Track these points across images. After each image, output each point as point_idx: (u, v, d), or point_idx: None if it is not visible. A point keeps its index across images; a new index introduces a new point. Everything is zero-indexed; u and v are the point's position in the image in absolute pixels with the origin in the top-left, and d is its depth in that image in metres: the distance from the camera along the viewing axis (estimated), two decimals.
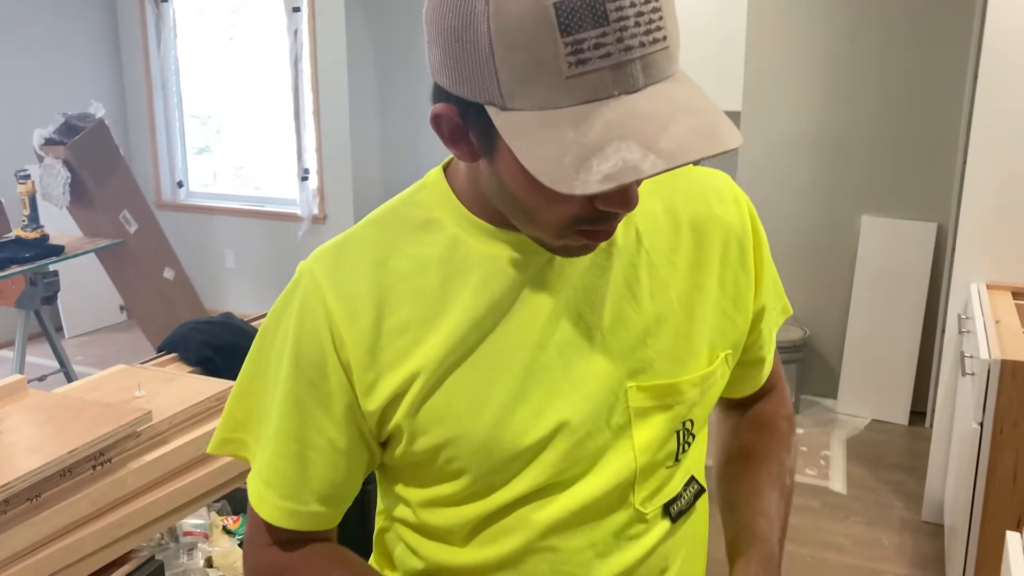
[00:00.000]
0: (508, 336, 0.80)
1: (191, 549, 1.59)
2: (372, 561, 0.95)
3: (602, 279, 0.82)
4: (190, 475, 1.35)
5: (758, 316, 0.92)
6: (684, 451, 0.87)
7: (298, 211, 4.87)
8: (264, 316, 2.49)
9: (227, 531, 1.72)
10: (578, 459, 0.82)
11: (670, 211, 0.86)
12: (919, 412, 3.69)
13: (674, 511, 0.87)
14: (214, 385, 1.47)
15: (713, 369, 0.86)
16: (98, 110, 3.80)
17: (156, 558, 1.30)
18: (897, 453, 3.51)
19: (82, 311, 4.85)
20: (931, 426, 3.19)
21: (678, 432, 0.86)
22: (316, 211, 4.83)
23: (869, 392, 3.71)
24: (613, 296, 0.82)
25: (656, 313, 0.83)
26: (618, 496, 0.84)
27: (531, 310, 0.80)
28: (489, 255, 0.80)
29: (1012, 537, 1.35)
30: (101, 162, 3.80)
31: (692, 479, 0.90)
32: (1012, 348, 2.16)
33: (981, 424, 2.11)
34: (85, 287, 4.70)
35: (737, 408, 1.04)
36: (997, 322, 2.33)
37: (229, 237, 5.13)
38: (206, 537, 1.66)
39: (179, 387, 1.48)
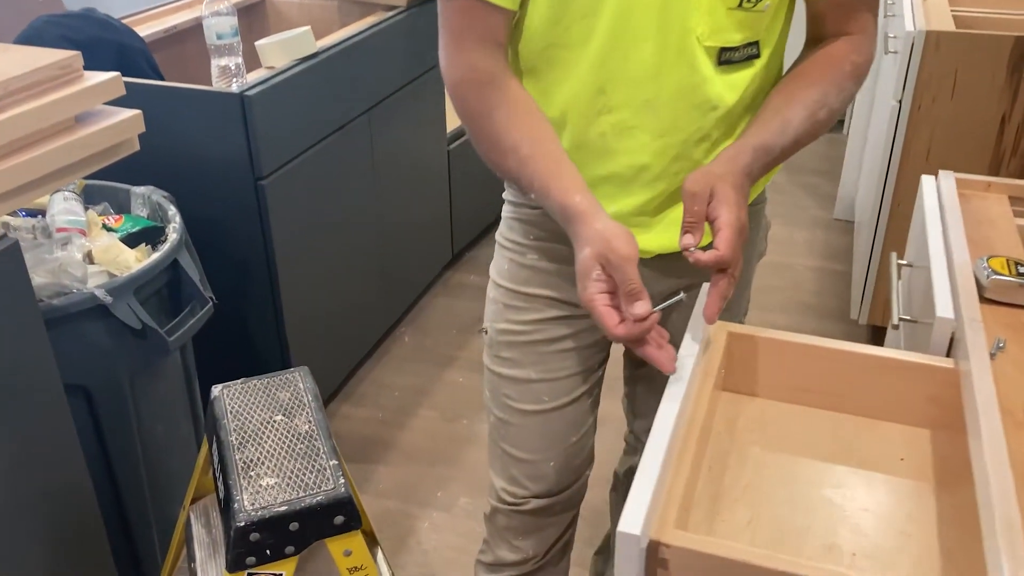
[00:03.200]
0: None
1: (66, 244, 1.48)
2: None
3: None
4: (33, 151, 1.21)
5: None
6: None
7: None
8: (136, 14, 2.23)
9: (108, 229, 1.61)
10: None
11: None
12: (840, 121, 3.66)
13: (724, 57, 0.98)
14: (55, 54, 1.29)
15: None
16: None
17: (7, 235, 1.19)
18: (815, 159, 3.51)
19: None
20: (848, 132, 3.16)
21: None
22: None
23: None
24: None
25: None
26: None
27: None
28: None
29: (927, 180, 1.31)
30: None
31: (754, 43, 0.99)
32: (938, 20, 2.06)
33: (900, 101, 2.05)
34: None
35: (813, 45, 1.05)
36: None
37: None
38: (83, 234, 1.54)
39: (14, 56, 1.30)
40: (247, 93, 1.73)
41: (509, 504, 1.22)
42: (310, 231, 2.00)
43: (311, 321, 2.06)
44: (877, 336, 2.44)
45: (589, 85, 1.00)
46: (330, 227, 2.09)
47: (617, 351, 1.27)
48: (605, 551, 1.60)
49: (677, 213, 1.06)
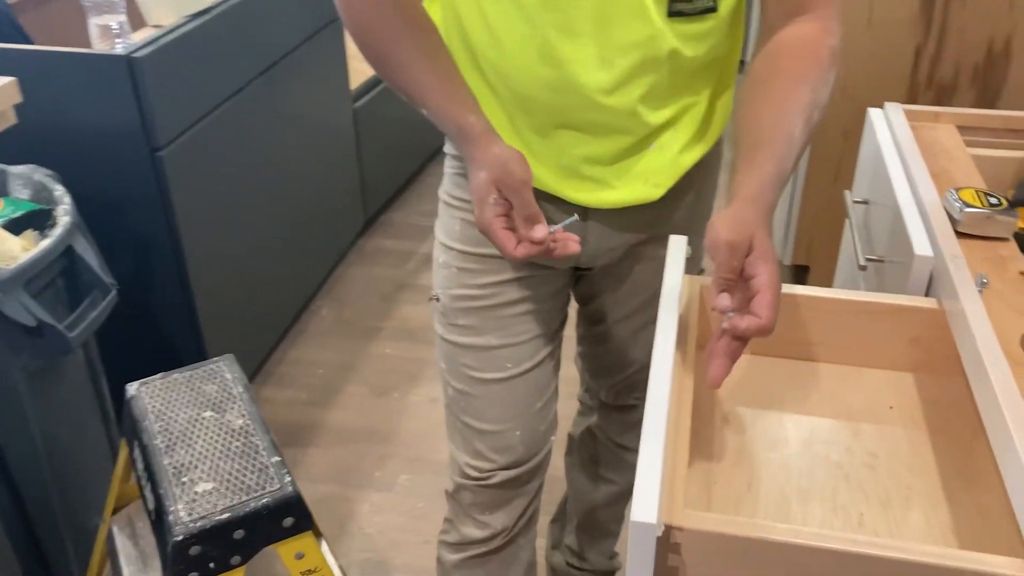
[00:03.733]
0: None
1: None
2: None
3: None
4: None
5: None
6: None
7: None
8: None
9: None
10: None
11: None
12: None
13: (675, 8, 0.91)
14: None
15: None
16: None
17: None
18: None
19: None
20: None
21: None
22: None
23: None
24: None
25: None
26: None
27: None
28: None
29: (875, 112, 1.27)
30: None
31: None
32: None
33: None
34: None
35: (777, 30, 0.95)
36: None
37: None
38: None
39: None
40: (135, 55, 1.56)
41: (475, 479, 1.14)
42: (215, 204, 1.85)
43: (223, 302, 1.91)
44: (801, 276, 2.45)
45: (531, 37, 0.91)
46: (235, 198, 1.93)
47: (571, 310, 1.20)
48: (561, 518, 1.54)
49: (639, 167, 1.00)
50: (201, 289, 1.81)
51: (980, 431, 0.89)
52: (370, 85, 2.61)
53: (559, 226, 0.91)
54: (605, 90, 0.93)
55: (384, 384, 2.18)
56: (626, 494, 1.44)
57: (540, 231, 0.87)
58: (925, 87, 2.18)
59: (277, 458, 1.07)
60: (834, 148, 2.23)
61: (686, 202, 1.09)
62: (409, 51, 0.94)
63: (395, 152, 2.79)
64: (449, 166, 1.10)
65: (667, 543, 0.68)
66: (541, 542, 1.62)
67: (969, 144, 1.22)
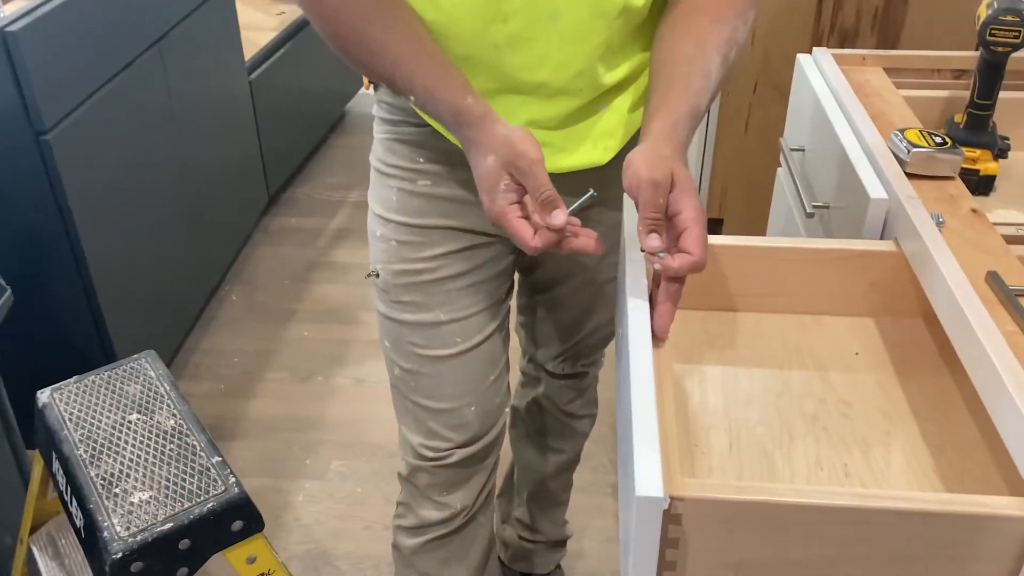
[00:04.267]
0: None
1: None
2: None
3: None
4: None
5: None
6: None
7: None
8: None
9: None
10: None
11: None
12: None
13: None
14: None
15: None
16: None
17: None
18: None
19: None
20: None
21: None
22: None
23: None
24: None
25: None
26: None
27: None
28: None
29: (804, 58, 1.26)
30: None
31: None
32: None
33: None
34: None
35: None
36: None
37: None
38: None
39: None
40: (8, 28, 1.41)
41: (431, 460, 1.09)
42: (109, 189, 1.71)
43: (127, 294, 1.79)
44: (715, 229, 2.47)
45: None
46: (131, 181, 1.80)
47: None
48: (509, 491, 1.50)
49: (589, 130, 0.96)
50: (102, 282, 1.68)
51: (944, 369, 0.89)
52: (265, 55, 2.47)
53: (576, 204, 0.83)
54: (553, 46, 0.88)
55: (305, 368, 2.09)
56: (574, 461, 1.42)
57: (559, 216, 0.78)
58: (828, 33, 2.20)
59: (218, 458, 0.99)
60: (743, 98, 2.23)
61: None
62: (387, 32, 0.85)
63: (295, 125, 2.66)
64: (381, 131, 1.02)
65: (668, 515, 0.65)
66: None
67: (899, 86, 1.23)
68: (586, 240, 0.81)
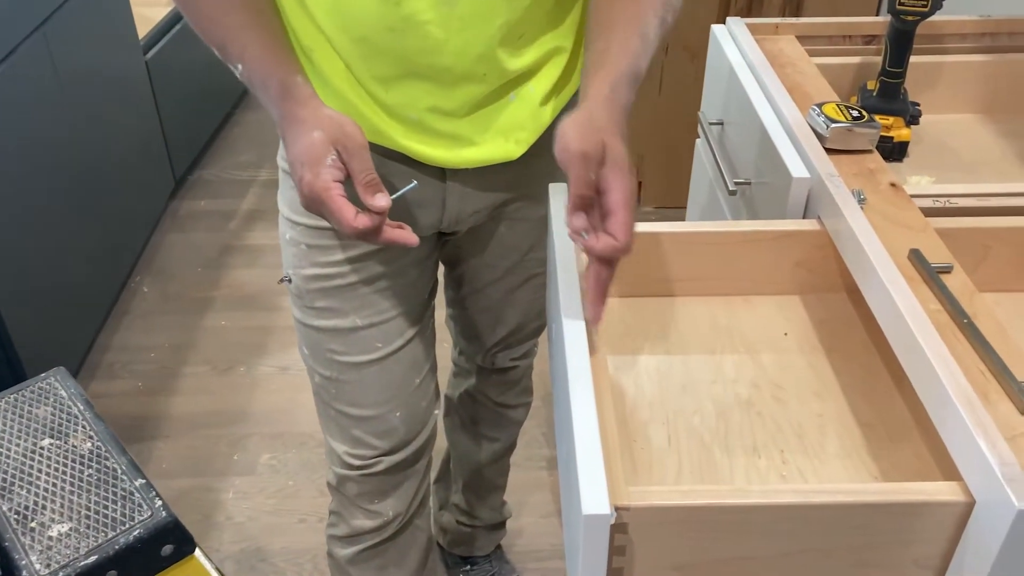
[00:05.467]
0: None
1: None
2: None
3: None
4: None
5: None
6: None
7: None
8: None
9: None
10: None
11: None
12: None
13: None
14: None
15: None
16: None
17: None
18: None
19: None
20: None
21: None
22: None
23: None
24: None
25: None
26: None
27: None
28: None
29: (718, 28, 1.25)
30: None
31: None
32: None
33: None
34: None
35: None
36: None
37: None
38: None
39: None
40: None
41: (358, 468, 1.06)
42: (2, 184, 1.61)
43: (29, 295, 1.69)
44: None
45: None
46: (25, 175, 1.69)
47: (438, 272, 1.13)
48: (446, 477, 1.49)
49: (498, 121, 0.92)
50: (0, 285, 1.59)
51: (871, 347, 0.90)
52: (160, 33, 2.35)
53: (399, 193, 0.83)
54: (451, 29, 0.84)
55: (226, 360, 2.03)
56: (510, 448, 1.41)
57: (382, 199, 0.78)
58: (735, 1, 2.21)
59: (141, 480, 0.95)
60: (655, 58, 2.23)
61: (550, 158, 1.02)
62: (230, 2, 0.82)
63: (196, 104, 2.55)
64: None
65: (614, 526, 0.64)
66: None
67: (812, 53, 1.23)
68: (405, 234, 0.81)
